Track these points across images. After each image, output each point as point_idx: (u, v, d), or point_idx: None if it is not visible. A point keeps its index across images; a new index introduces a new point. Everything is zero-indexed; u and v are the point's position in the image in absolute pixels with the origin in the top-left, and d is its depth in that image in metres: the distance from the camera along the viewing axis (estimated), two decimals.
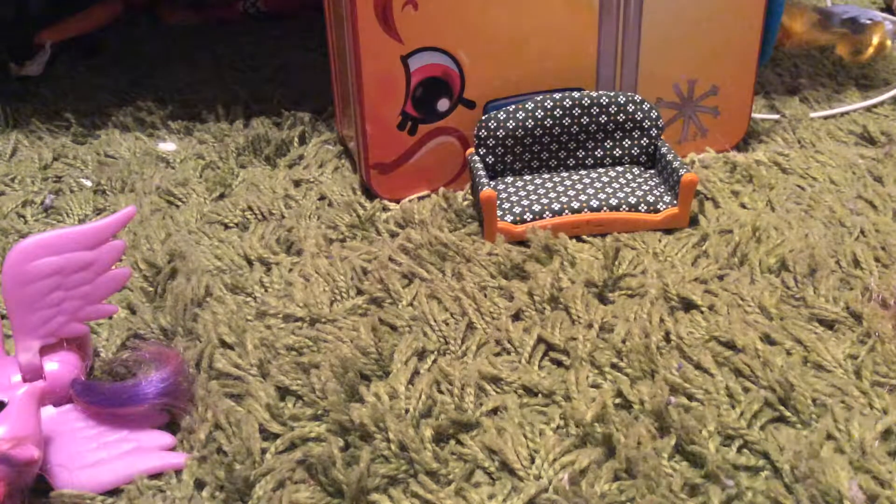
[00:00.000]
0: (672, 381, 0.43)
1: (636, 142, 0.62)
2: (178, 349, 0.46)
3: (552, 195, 0.58)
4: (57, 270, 0.39)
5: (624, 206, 0.58)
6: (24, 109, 0.80)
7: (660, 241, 0.56)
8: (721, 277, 0.52)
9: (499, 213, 0.57)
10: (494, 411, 0.42)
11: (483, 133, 0.60)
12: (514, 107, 0.59)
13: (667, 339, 0.47)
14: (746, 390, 0.42)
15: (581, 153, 0.62)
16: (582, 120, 0.60)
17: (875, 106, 0.77)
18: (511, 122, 0.59)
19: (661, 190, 0.59)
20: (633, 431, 0.40)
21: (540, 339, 0.47)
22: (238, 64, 0.91)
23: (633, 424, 0.40)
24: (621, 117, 0.61)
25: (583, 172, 0.62)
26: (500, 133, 0.60)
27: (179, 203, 0.64)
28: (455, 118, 0.61)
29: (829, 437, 0.40)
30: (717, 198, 0.61)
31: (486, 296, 0.51)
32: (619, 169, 0.62)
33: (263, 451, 0.40)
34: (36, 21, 0.89)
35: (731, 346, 0.46)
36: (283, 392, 0.44)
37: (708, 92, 0.66)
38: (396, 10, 0.56)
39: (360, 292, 0.52)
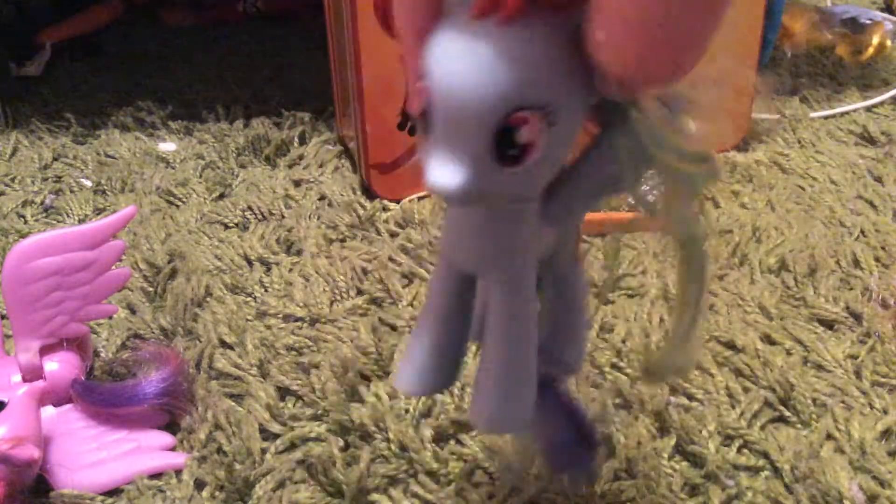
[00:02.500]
0: (672, 382, 0.43)
1: None
2: (178, 349, 0.46)
3: None
4: (57, 270, 0.39)
5: (624, 206, 0.57)
6: (24, 109, 0.80)
7: (660, 241, 0.56)
8: (721, 277, 0.52)
9: None
10: None
11: None
12: None
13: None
14: (746, 390, 0.42)
15: None
16: None
17: (875, 106, 0.77)
18: None
19: (661, 190, 0.59)
20: (633, 431, 0.40)
21: None
22: (238, 64, 0.91)
23: (633, 424, 0.40)
24: None
25: None
26: None
27: (179, 203, 0.64)
28: None
29: (829, 437, 0.40)
30: (717, 198, 0.61)
31: None
32: None
33: (263, 451, 0.40)
34: (36, 21, 0.89)
35: (731, 346, 0.45)
36: (283, 392, 0.44)
37: None
38: None
39: (360, 292, 0.52)
